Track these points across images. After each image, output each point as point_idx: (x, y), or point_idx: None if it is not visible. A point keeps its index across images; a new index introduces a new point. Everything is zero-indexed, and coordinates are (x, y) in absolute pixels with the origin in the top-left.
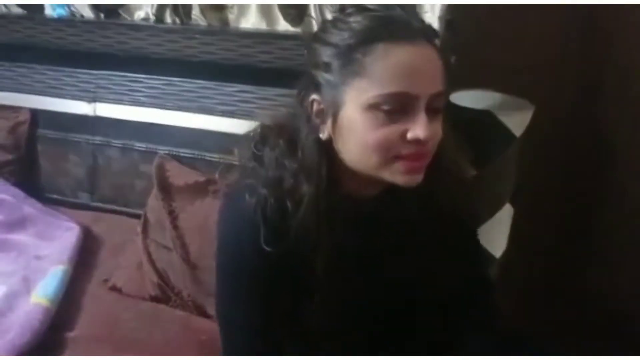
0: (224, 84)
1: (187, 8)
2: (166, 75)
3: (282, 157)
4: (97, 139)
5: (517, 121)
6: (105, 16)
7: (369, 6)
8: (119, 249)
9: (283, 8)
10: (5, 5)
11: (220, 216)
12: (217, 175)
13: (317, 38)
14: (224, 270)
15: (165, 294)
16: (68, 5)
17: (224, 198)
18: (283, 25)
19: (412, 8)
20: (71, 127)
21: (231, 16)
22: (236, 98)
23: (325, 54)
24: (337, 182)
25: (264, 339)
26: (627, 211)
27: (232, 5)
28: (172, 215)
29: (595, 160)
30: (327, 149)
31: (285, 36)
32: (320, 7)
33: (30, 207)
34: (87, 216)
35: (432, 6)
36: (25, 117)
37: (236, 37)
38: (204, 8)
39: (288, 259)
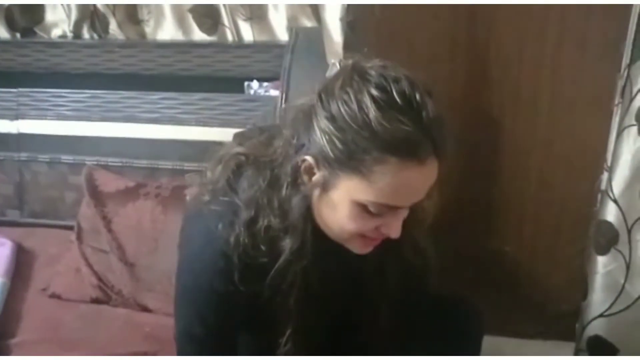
0: (147, 92)
1: (105, 23)
2: (89, 88)
3: (261, 200)
4: (23, 155)
5: None
6: (22, 36)
7: (398, 102)
8: (54, 260)
9: (198, 18)
10: None
11: (188, 236)
12: (186, 178)
13: (329, 96)
14: (189, 292)
15: (105, 295)
16: None
17: (192, 216)
18: (198, 35)
19: (440, 119)
20: None
21: (147, 29)
22: (160, 105)
23: (333, 133)
24: (314, 232)
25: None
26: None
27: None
28: (106, 220)
29: (487, 139)
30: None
31: (202, 45)
32: (233, 17)
33: None
34: (17, 232)
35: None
36: None
37: (154, 48)
38: (121, 22)
39: (258, 293)
